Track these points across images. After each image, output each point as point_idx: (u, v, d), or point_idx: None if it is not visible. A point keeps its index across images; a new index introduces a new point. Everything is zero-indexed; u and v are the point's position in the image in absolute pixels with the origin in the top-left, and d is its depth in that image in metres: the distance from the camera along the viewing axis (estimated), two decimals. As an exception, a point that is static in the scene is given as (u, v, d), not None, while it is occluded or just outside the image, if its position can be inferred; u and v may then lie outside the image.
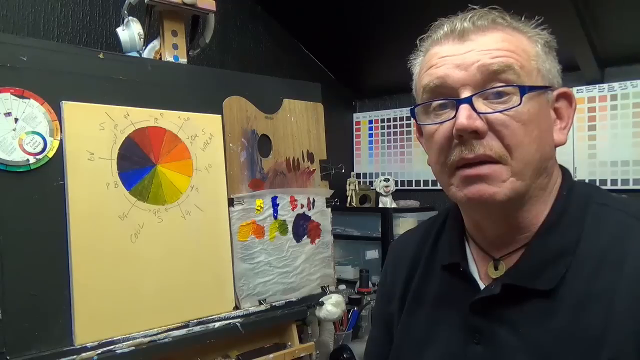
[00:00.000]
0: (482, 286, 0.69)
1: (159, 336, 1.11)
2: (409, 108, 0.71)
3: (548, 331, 0.61)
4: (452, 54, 0.64)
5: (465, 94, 0.62)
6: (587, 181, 1.89)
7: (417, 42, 0.72)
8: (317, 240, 1.49)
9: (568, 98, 0.68)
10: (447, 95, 0.64)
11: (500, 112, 0.61)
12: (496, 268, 0.68)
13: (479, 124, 0.61)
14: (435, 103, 0.66)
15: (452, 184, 0.66)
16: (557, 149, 0.68)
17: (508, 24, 0.66)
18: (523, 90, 0.61)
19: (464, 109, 0.61)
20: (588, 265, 0.62)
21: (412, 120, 0.72)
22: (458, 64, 0.63)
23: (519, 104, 0.61)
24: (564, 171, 0.71)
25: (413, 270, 0.80)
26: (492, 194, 0.62)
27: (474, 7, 0.67)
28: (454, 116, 0.63)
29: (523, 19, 0.68)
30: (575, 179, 0.73)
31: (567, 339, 0.60)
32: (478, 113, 0.61)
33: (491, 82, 0.62)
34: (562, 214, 0.66)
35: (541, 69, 0.65)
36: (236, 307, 1.27)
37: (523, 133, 0.62)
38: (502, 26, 0.65)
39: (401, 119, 2.50)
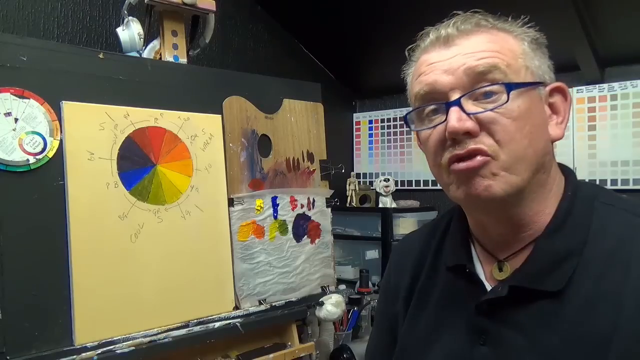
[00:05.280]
0: (488, 287, 0.69)
1: (159, 336, 1.11)
2: (409, 108, 0.71)
3: (555, 332, 0.61)
4: (439, 60, 0.66)
5: (454, 97, 0.64)
6: (586, 181, 1.89)
7: (406, 52, 0.73)
8: (317, 240, 1.49)
9: (562, 92, 0.69)
10: (438, 100, 0.66)
11: (490, 110, 0.62)
12: (500, 269, 0.69)
13: (469, 124, 0.62)
14: (427, 109, 0.67)
15: (451, 182, 0.66)
16: (557, 149, 0.68)
17: (492, 25, 0.67)
18: (509, 87, 0.62)
19: (454, 111, 0.63)
20: (595, 266, 0.62)
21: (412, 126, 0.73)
22: (445, 69, 0.65)
23: (507, 101, 0.62)
24: (569, 171, 0.72)
25: (418, 271, 0.80)
26: (487, 186, 0.62)
27: (458, 12, 0.68)
28: (446, 119, 0.64)
29: (510, 19, 0.69)
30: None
31: (574, 340, 0.60)
32: (468, 114, 0.62)
33: (478, 83, 0.63)
34: (568, 214, 0.66)
35: (530, 66, 0.66)
36: (236, 307, 1.27)
37: (514, 129, 0.62)
38: (486, 28, 0.66)
39: (401, 119, 2.49)
